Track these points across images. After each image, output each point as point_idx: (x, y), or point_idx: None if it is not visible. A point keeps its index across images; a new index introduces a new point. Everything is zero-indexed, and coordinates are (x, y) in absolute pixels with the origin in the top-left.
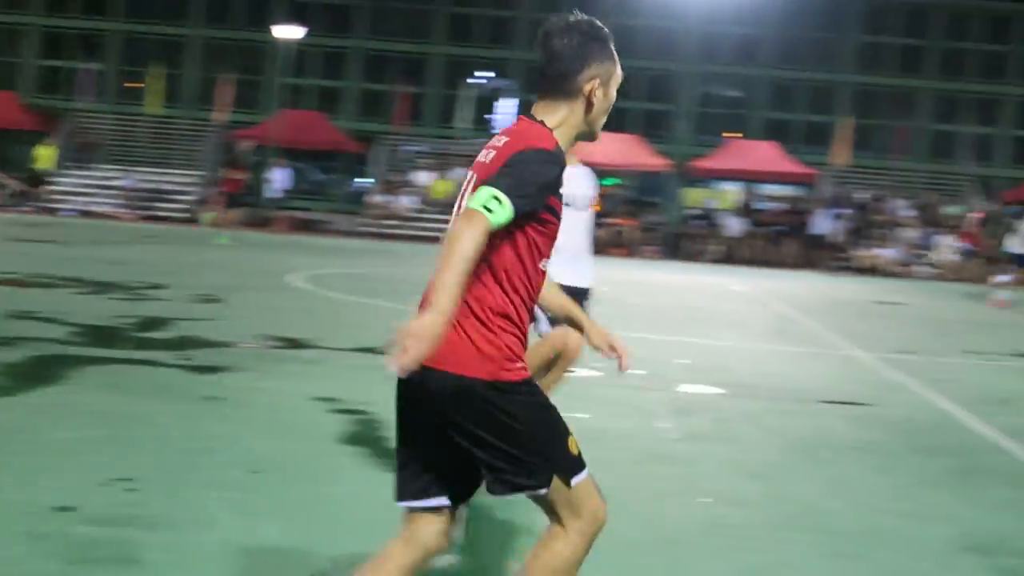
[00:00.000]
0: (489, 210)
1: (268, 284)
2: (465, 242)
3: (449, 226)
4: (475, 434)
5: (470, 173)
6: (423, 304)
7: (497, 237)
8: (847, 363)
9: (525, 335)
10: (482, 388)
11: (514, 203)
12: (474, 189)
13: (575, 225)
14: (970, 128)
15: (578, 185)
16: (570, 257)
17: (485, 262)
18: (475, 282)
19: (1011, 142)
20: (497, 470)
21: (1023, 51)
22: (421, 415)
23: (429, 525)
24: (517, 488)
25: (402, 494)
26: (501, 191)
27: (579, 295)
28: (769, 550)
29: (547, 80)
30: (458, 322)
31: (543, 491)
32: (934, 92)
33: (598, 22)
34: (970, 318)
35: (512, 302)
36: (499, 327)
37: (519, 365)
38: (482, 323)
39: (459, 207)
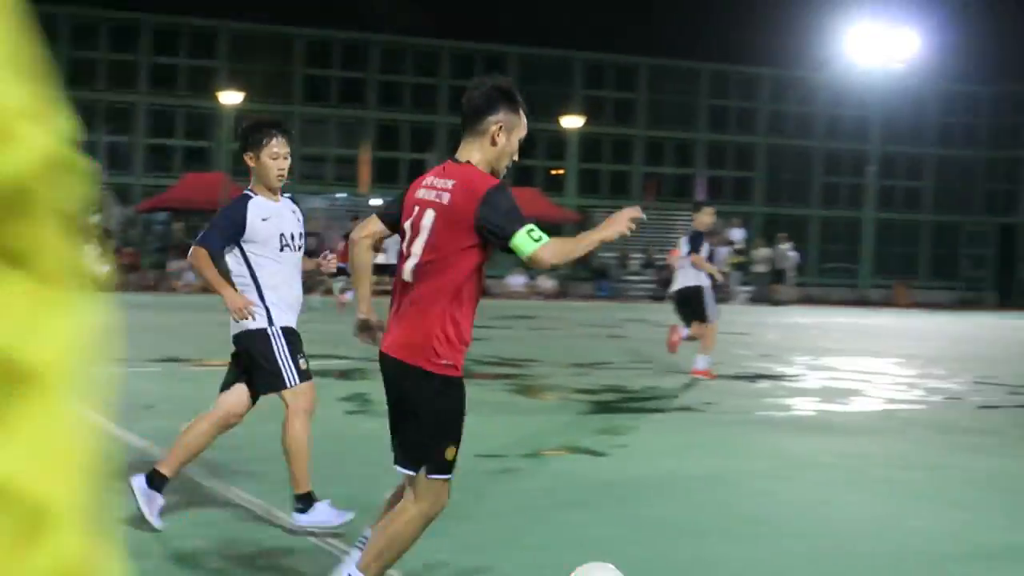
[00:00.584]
0: (538, 239)
1: None
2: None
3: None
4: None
5: (418, 207)
6: None
7: (473, 258)
8: None
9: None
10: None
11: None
12: (442, 221)
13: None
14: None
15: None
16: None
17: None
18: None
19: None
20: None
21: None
22: None
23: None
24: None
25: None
26: (527, 223)
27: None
28: None
29: (464, 120)
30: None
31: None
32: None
33: (510, 83)
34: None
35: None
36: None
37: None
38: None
39: (413, 233)
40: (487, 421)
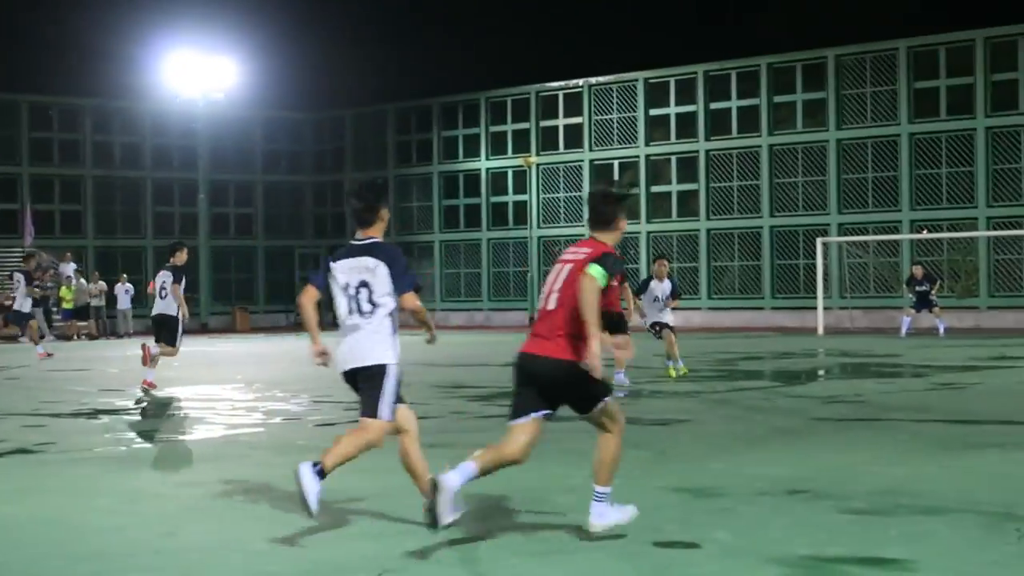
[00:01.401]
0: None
1: None
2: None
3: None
4: None
5: (560, 264)
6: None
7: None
8: None
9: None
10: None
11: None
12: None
13: None
14: None
15: None
16: None
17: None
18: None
19: None
20: None
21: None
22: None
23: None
24: None
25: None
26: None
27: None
28: None
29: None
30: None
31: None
32: None
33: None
34: None
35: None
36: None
37: None
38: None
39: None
40: None
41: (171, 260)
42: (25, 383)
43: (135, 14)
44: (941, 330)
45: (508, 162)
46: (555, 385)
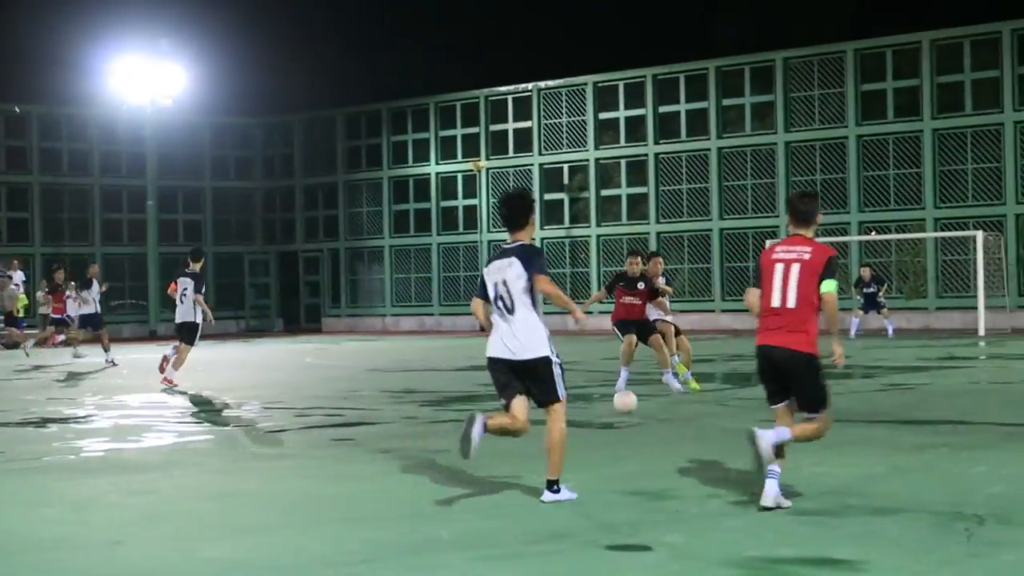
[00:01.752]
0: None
1: None
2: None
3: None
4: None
5: (782, 264)
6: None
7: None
8: None
9: None
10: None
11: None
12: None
13: None
14: None
15: None
16: None
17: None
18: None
19: None
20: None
21: None
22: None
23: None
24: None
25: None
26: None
27: None
28: None
29: (798, 215)
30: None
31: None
32: None
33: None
34: None
35: None
36: None
37: None
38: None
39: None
40: None
41: (192, 266)
42: None
43: (81, 20)
44: (890, 331)
45: (458, 166)
46: (793, 375)
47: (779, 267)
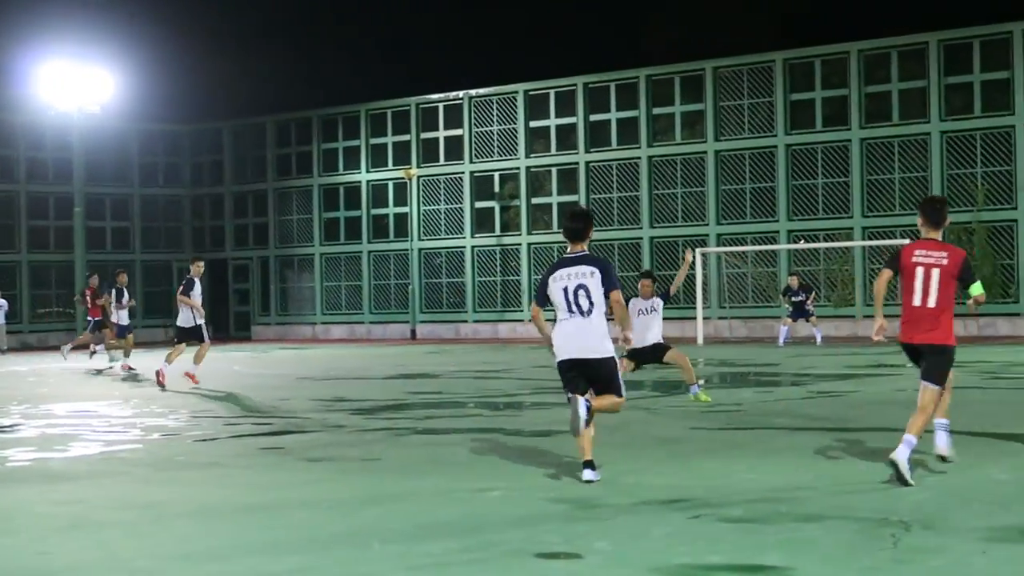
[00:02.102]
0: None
1: None
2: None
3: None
4: None
5: (923, 269)
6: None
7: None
8: None
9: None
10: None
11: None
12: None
13: None
14: None
15: None
16: None
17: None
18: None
19: None
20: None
21: None
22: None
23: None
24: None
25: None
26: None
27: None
28: None
29: (932, 216)
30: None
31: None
32: None
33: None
34: None
35: None
36: None
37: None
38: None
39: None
40: None
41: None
42: None
43: (7, 25)
44: (818, 339)
45: (389, 174)
46: (932, 360)
47: (920, 271)
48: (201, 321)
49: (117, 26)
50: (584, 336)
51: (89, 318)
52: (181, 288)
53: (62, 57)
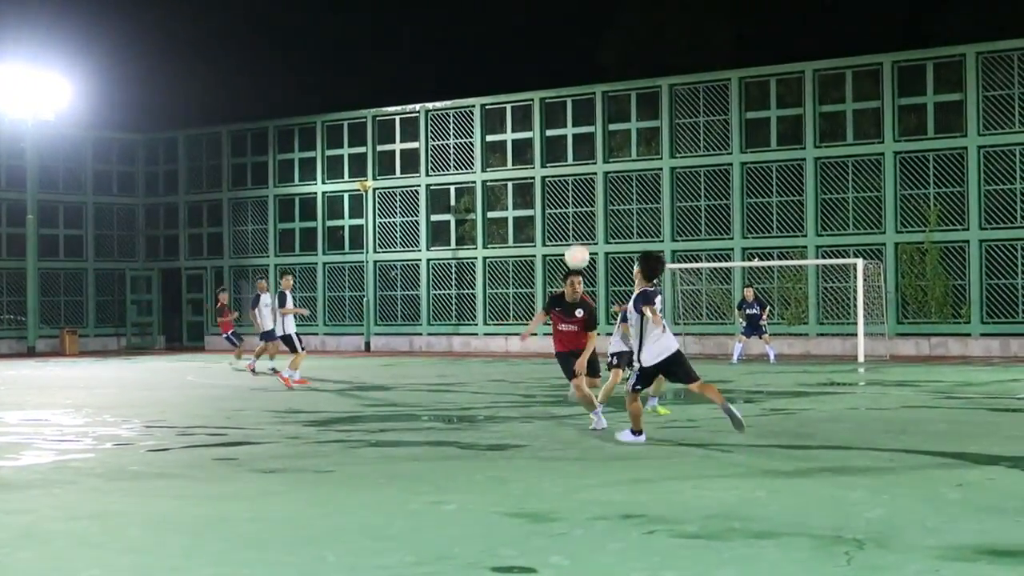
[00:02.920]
0: None
1: None
2: None
3: None
4: None
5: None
6: None
7: None
8: None
9: None
10: None
11: None
12: None
13: None
14: None
15: None
16: None
17: None
18: None
19: None
20: None
21: None
22: None
23: None
24: None
25: None
26: None
27: None
28: None
29: None
30: None
31: None
32: None
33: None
34: None
35: None
36: None
37: None
38: None
39: None
40: None
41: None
42: None
43: None
44: (771, 356)
45: (344, 186)
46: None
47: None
48: (293, 331)
49: (72, 33)
50: (668, 337)
51: (223, 334)
52: (277, 302)
53: (16, 63)
